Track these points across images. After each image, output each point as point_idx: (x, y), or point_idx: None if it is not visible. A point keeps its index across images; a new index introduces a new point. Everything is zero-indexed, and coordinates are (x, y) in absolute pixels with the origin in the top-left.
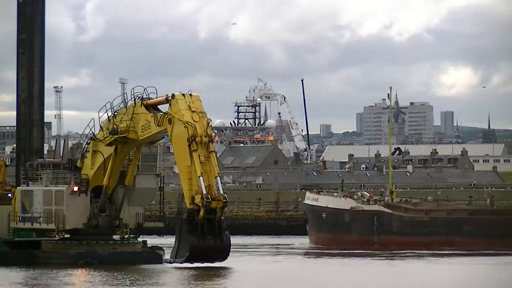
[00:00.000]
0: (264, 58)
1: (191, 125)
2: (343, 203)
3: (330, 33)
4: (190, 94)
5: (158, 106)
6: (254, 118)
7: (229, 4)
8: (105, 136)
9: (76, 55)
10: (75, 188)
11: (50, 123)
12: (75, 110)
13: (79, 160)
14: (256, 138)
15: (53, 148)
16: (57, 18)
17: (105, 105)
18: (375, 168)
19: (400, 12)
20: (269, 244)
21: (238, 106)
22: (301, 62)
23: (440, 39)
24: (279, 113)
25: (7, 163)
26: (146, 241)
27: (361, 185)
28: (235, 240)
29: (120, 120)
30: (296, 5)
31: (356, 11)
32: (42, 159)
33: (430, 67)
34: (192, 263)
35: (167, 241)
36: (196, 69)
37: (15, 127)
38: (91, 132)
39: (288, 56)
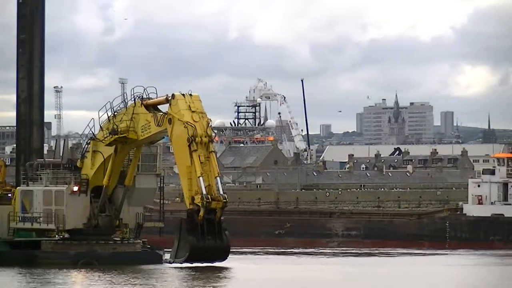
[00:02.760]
0: (284, 57)
1: (191, 125)
2: None
3: (352, 33)
4: (190, 94)
5: (158, 106)
6: (254, 118)
7: (255, 4)
8: (105, 136)
9: (98, 55)
10: (75, 188)
11: (50, 123)
12: (87, 110)
13: (79, 160)
14: (256, 138)
15: (53, 148)
16: (86, 18)
17: (105, 105)
18: (375, 168)
19: (426, 12)
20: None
21: (238, 106)
22: (323, 61)
23: (464, 39)
24: (279, 113)
25: (7, 163)
26: (146, 241)
27: (361, 185)
28: None
29: (120, 120)
30: (320, 4)
31: (382, 10)
32: (42, 159)
33: (449, 67)
34: (192, 263)
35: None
36: (215, 69)
37: (15, 127)
38: (91, 132)
39: (309, 56)
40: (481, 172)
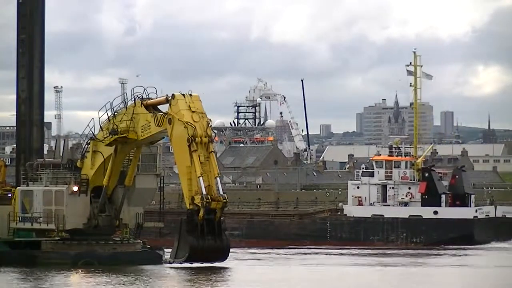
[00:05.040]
0: (302, 57)
1: (191, 125)
2: None
3: (371, 33)
4: (190, 95)
5: (158, 107)
6: (254, 118)
7: (273, 5)
8: (105, 136)
9: (116, 55)
10: (75, 188)
11: (50, 123)
12: (94, 110)
13: (79, 160)
14: (256, 138)
15: (53, 148)
16: (107, 18)
17: (105, 105)
18: None
19: (446, 12)
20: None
21: (238, 106)
22: (341, 61)
23: (483, 39)
24: (280, 113)
25: (7, 163)
26: (146, 241)
27: None
28: None
29: (120, 120)
30: (341, 4)
31: (402, 10)
32: (42, 159)
33: (463, 67)
34: (191, 263)
35: None
36: (231, 69)
37: (15, 127)
38: (91, 132)
39: (327, 56)
40: (360, 174)
